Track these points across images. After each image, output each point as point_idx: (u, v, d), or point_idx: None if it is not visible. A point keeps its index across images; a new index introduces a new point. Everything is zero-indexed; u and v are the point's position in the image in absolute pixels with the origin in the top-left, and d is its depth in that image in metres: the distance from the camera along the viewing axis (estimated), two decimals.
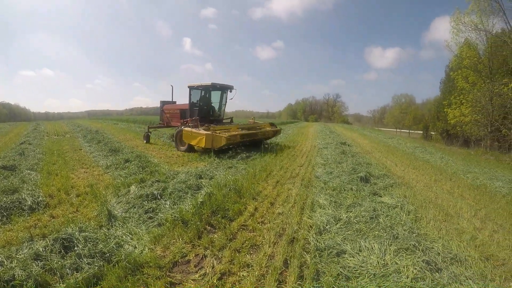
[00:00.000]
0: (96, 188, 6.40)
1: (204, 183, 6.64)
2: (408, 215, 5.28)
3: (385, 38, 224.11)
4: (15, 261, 3.35)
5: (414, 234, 4.32)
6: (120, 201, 5.53)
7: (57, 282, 3.12)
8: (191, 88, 13.99)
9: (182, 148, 12.73)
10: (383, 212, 5.27)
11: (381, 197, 6.35)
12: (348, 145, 14.98)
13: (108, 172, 8.17)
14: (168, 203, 5.41)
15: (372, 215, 5.06)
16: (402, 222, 4.82)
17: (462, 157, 14.95)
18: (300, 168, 9.26)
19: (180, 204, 5.38)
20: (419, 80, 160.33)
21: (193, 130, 11.61)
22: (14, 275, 3.09)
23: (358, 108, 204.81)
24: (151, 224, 4.64)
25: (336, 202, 5.78)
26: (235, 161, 9.73)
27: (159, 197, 5.66)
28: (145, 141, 15.52)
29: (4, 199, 5.36)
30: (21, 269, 3.17)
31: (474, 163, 12.84)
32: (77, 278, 3.12)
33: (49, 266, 3.31)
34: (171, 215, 4.79)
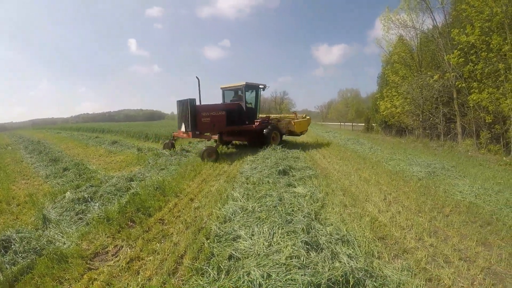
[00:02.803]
0: (35, 197, 7.11)
1: (133, 185, 7.51)
2: (316, 202, 5.96)
3: (331, 35, 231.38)
4: None
5: (308, 219, 4.86)
6: (56, 206, 6.28)
7: None
8: (248, 87, 13.83)
9: (276, 142, 14.19)
10: (289, 201, 5.89)
11: (295, 187, 7.04)
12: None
13: (48, 181, 8.78)
14: (97, 204, 6.24)
15: (276, 204, 5.66)
16: (303, 209, 5.42)
17: (391, 145, 16.10)
18: (230, 166, 10.14)
19: (108, 205, 6.20)
20: (365, 74, 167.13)
21: (300, 120, 16.03)
22: None
23: (306, 104, 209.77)
24: (80, 223, 5.48)
25: (249, 194, 6.47)
26: (168, 163, 10.50)
27: (89, 200, 6.46)
28: (212, 158, 11.15)
29: None
30: None
31: (401, 151, 13.70)
32: (13, 270, 3.99)
33: None
34: (97, 215, 5.64)
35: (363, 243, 4.23)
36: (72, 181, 8.24)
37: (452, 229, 4.93)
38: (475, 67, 14.91)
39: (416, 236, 4.65)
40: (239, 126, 13.69)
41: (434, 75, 18.45)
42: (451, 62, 16.34)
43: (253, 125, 13.95)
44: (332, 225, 4.83)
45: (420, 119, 21.04)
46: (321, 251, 3.87)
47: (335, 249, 3.96)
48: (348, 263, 3.56)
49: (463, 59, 15.60)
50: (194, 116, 11.61)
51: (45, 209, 6.16)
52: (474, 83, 15.10)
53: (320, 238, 4.23)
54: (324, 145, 15.77)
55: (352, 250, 3.99)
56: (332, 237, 4.30)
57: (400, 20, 21.39)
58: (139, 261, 4.18)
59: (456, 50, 15.73)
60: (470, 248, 4.33)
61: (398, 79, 22.68)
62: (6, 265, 4.12)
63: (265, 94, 75.38)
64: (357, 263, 3.62)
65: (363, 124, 38.11)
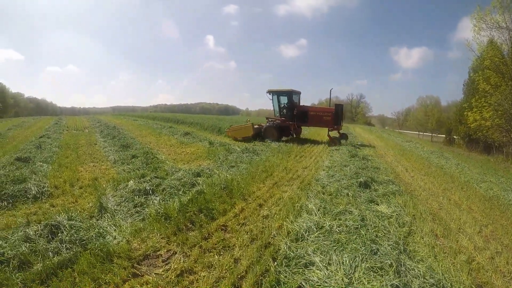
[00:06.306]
0: (98, 182, 6.85)
1: (200, 181, 6.90)
2: (402, 227, 4.98)
3: (411, 37, 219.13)
4: (7, 242, 3.80)
5: (396, 251, 3.96)
6: (116, 195, 5.90)
7: (38, 262, 3.47)
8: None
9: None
10: (373, 222, 5.00)
11: (378, 205, 6.06)
12: (360, 148, 14.78)
13: (115, 166, 8.64)
14: (158, 199, 5.71)
15: (358, 225, 4.78)
16: (390, 235, 4.54)
17: (479, 164, 14.34)
18: (304, 170, 9.23)
19: (169, 201, 5.63)
20: (446, 81, 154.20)
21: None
22: (4, 253, 3.53)
23: (382, 109, 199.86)
24: (137, 217, 4.96)
25: (326, 208, 5.58)
26: (239, 160, 9.85)
27: (151, 192, 5.97)
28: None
29: (12, 187, 5.93)
30: (11, 249, 3.61)
31: (491, 171, 12.19)
32: (54, 260, 3.48)
33: (35, 248, 3.70)
34: (156, 211, 5.07)
35: None
36: (138, 169, 7.93)
37: None
38: None
39: None
40: None
41: None
42: None
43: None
44: (423, 261, 3.89)
45: None
46: None
47: None
48: None
49: None
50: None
51: (105, 196, 5.79)
52: None
53: (412, 282, 3.30)
54: (405, 156, 14.16)
55: None
56: (426, 282, 3.34)
57: (493, 20, 19.28)
58: (192, 275, 3.51)
59: None
60: None
61: (489, 88, 20.23)
62: (50, 253, 3.70)
63: (341, 97, 73.92)
64: None
65: (444, 135, 34.86)
